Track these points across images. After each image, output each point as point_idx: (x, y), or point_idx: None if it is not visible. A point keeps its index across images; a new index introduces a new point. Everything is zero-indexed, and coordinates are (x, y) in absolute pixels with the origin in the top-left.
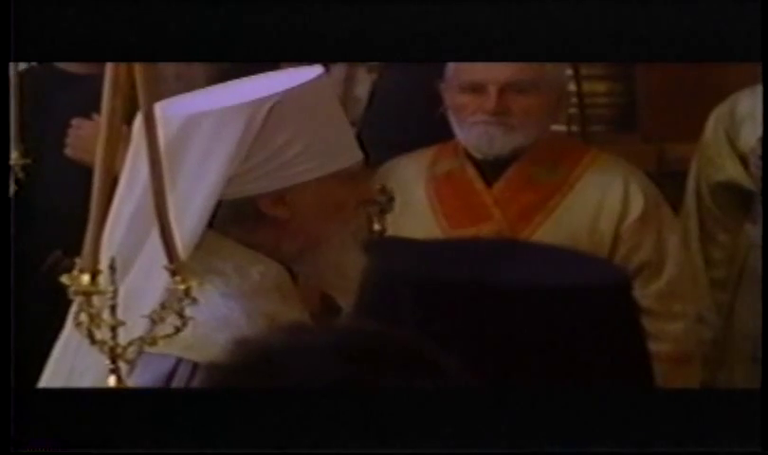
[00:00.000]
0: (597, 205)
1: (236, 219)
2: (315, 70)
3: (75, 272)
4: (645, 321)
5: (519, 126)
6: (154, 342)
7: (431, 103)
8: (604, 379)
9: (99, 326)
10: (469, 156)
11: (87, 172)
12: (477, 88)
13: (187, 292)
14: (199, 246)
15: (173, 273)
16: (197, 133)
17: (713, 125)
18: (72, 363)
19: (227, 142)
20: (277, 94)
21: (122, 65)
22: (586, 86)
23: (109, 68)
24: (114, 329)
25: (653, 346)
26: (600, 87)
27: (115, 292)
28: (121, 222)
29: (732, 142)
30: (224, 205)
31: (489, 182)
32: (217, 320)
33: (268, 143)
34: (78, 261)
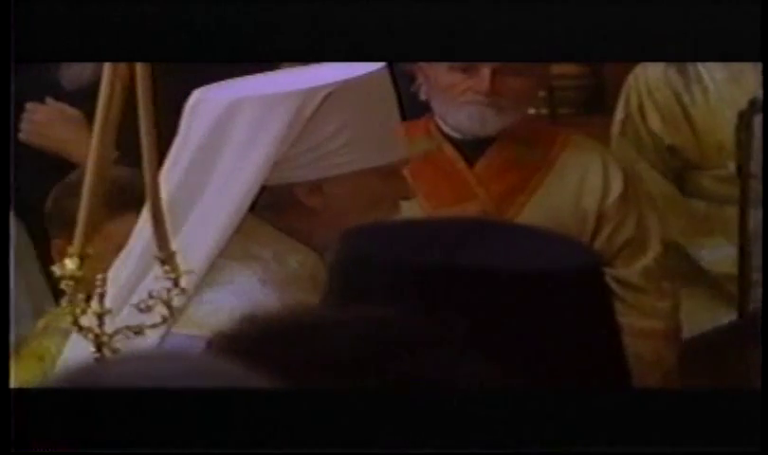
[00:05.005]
0: (578, 184)
1: (271, 205)
2: (376, 63)
3: (65, 260)
4: (634, 298)
5: (508, 107)
6: (140, 331)
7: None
8: (575, 365)
9: (84, 312)
10: (446, 136)
11: (47, 159)
12: (468, 68)
13: (176, 282)
14: (238, 231)
15: (163, 262)
16: (242, 116)
17: None
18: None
19: (274, 128)
20: (333, 83)
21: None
22: (555, 68)
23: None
24: (100, 317)
25: (645, 322)
26: (569, 69)
27: (103, 280)
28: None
29: None
30: (262, 190)
31: (470, 162)
32: (254, 307)
33: (317, 131)
34: (70, 249)
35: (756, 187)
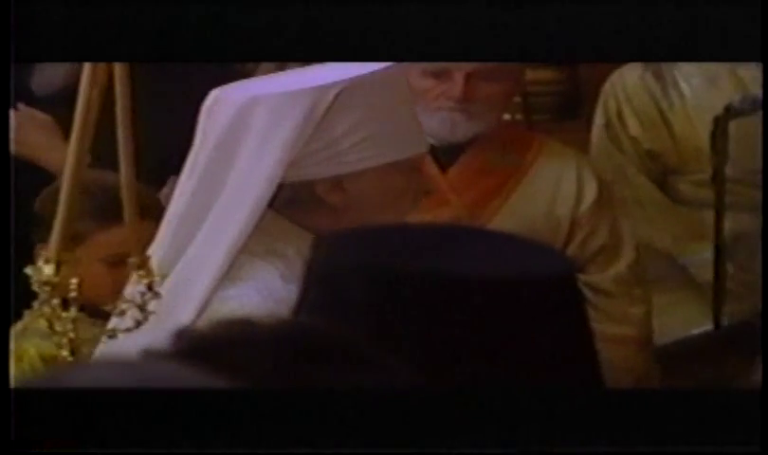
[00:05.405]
0: (552, 190)
1: (294, 202)
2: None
3: (39, 263)
4: (606, 304)
5: (480, 113)
6: (114, 335)
7: None
8: (548, 370)
9: (58, 318)
10: None
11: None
12: (442, 74)
13: (149, 286)
14: (260, 228)
15: (138, 267)
16: (257, 115)
17: None
18: None
19: (288, 126)
20: (345, 80)
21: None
22: (530, 74)
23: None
24: (75, 322)
25: (617, 329)
26: (544, 75)
27: (79, 284)
28: (178, 211)
29: None
30: (282, 188)
31: (443, 168)
32: (276, 303)
33: (330, 129)
34: (43, 252)
35: (732, 190)
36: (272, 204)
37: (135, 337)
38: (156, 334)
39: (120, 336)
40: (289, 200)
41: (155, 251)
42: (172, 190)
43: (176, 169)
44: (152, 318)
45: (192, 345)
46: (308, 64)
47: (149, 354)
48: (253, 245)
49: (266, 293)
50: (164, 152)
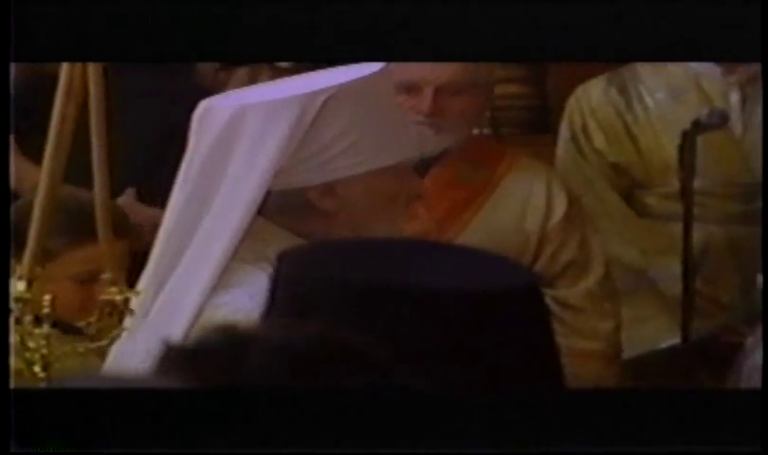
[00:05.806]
0: (522, 204)
1: (287, 209)
2: (373, 65)
3: (14, 280)
4: (574, 319)
5: (450, 128)
6: (87, 352)
7: None
8: (513, 382)
9: (30, 334)
10: None
11: None
12: (411, 88)
13: (125, 302)
14: (251, 234)
15: (111, 283)
16: (247, 124)
17: None
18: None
19: (277, 134)
20: (332, 87)
21: (78, 70)
22: (498, 89)
23: (64, 72)
24: (47, 338)
25: (585, 344)
26: (512, 89)
27: (52, 301)
28: (172, 221)
29: None
30: (273, 195)
31: None
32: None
33: (319, 136)
34: (19, 270)
35: (699, 202)
36: (263, 211)
37: (131, 346)
38: (153, 342)
39: (90, 350)
40: (281, 207)
41: (151, 260)
42: (129, 198)
43: (133, 179)
44: (149, 325)
45: (189, 353)
46: (281, 68)
47: (145, 364)
48: (244, 252)
49: (259, 298)
50: (121, 162)
